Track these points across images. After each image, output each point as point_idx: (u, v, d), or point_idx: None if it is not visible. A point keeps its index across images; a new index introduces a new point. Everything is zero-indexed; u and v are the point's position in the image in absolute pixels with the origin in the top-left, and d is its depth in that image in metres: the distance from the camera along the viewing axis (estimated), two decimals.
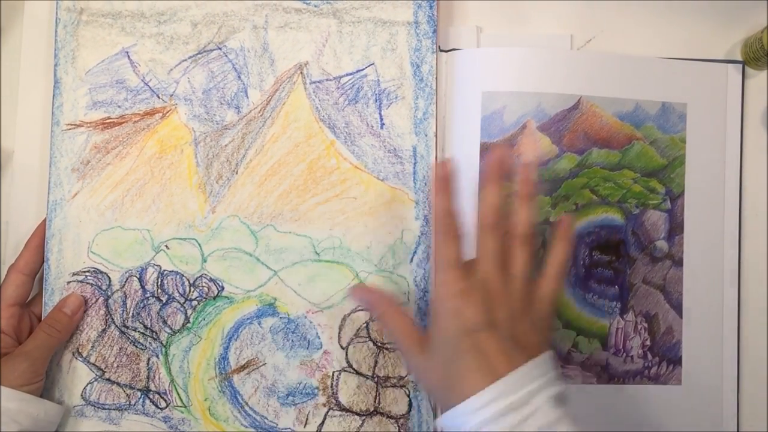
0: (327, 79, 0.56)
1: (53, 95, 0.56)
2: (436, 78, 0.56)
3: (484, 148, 0.56)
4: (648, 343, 0.57)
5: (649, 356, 0.57)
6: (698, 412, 0.56)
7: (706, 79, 0.58)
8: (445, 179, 0.48)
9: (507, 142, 0.56)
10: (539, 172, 0.56)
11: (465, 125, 0.57)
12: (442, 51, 0.58)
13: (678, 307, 0.57)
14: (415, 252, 0.55)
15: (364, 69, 0.56)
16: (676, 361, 0.57)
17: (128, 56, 0.56)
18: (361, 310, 0.54)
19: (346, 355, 0.54)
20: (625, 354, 0.57)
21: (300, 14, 0.56)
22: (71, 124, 0.56)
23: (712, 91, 0.58)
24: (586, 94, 0.57)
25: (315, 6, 0.56)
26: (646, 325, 0.57)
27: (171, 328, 0.55)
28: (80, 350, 0.55)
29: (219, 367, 0.54)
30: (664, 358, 0.57)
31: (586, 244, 0.57)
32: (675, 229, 0.57)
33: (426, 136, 0.55)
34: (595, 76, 0.57)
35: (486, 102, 0.56)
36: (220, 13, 0.56)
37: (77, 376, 0.55)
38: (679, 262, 0.57)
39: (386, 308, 0.49)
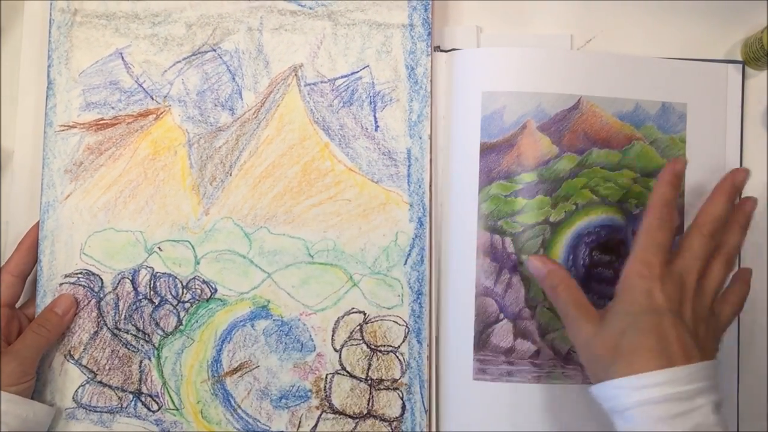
0: (321, 81, 0.56)
1: (46, 96, 0.56)
2: (431, 80, 0.56)
3: (484, 148, 0.56)
4: None
5: None
6: None
7: (706, 79, 0.58)
8: (678, 175, 0.49)
9: (507, 142, 0.56)
10: (539, 172, 0.56)
11: (465, 125, 0.57)
12: (442, 51, 0.58)
13: None
14: (409, 254, 0.54)
15: (358, 71, 0.56)
16: None
17: (122, 57, 0.56)
18: (355, 312, 0.54)
19: (340, 357, 0.54)
20: None
21: (295, 16, 0.56)
22: (64, 126, 0.55)
23: (712, 91, 0.58)
24: (586, 94, 0.57)
25: (310, 8, 0.56)
26: None
27: (163, 331, 0.54)
28: (72, 352, 0.54)
29: (212, 370, 0.54)
30: None
31: (586, 244, 0.56)
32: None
33: (420, 138, 0.55)
34: (595, 76, 0.57)
35: (486, 102, 0.56)
36: (214, 14, 0.56)
37: (69, 379, 0.54)
38: None
39: (560, 281, 0.50)
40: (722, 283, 0.49)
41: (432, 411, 0.54)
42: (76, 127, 0.55)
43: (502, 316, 0.56)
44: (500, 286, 0.56)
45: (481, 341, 0.55)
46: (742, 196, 0.54)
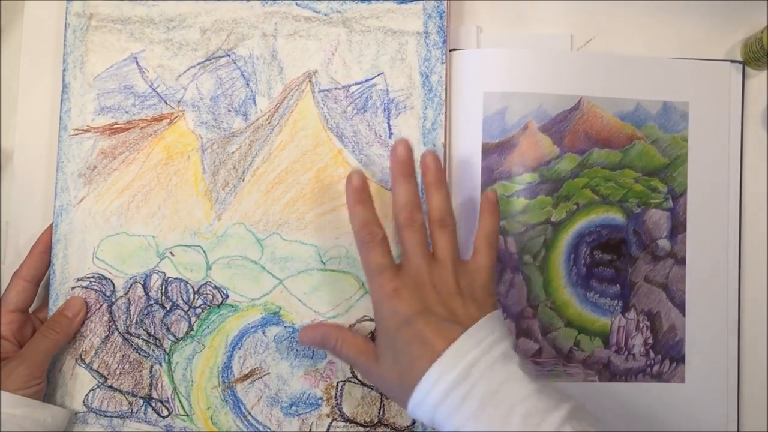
0: (336, 88, 0.56)
1: (61, 100, 0.56)
2: (446, 87, 0.55)
3: (486, 149, 0.56)
4: (650, 341, 0.57)
5: (652, 354, 0.57)
6: (702, 410, 0.57)
7: (709, 78, 0.58)
8: (359, 190, 0.49)
9: (509, 142, 0.56)
10: (540, 172, 0.56)
11: (466, 125, 0.57)
12: None
13: (681, 306, 0.57)
14: None
15: (373, 78, 0.56)
16: (679, 359, 0.57)
17: (137, 62, 0.56)
18: (367, 320, 0.54)
19: None
20: (627, 352, 0.57)
21: (309, 23, 0.56)
22: (78, 129, 0.55)
23: (714, 89, 0.58)
24: (586, 94, 0.57)
25: (325, 15, 0.56)
26: (648, 323, 0.57)
27: (174, 336, 0.54)
28: (83, 357, 0.54)
29: (222, 376, 0.54)
30: (667, 356, 0.57)
31: (587, 243, 0.57)
32: (677, 227, 0.58)
33: (434, 146, 0.55)
34: (595, 77, 0.58)
35: (487, 102, 0.56)
36: (229, 20, 0.56)
37: (79, 383, 0.54)
38: (681, 261, 0.57)
39: (336, 337, 0.50)
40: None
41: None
42: (90, 131, 0.55)
43: (504, 315, 0.56)
44: (503, 285, 0.56)
45: None
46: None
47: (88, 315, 0.54)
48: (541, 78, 0.57)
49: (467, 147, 0.57)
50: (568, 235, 0.57)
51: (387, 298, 0.46)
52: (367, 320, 0.54)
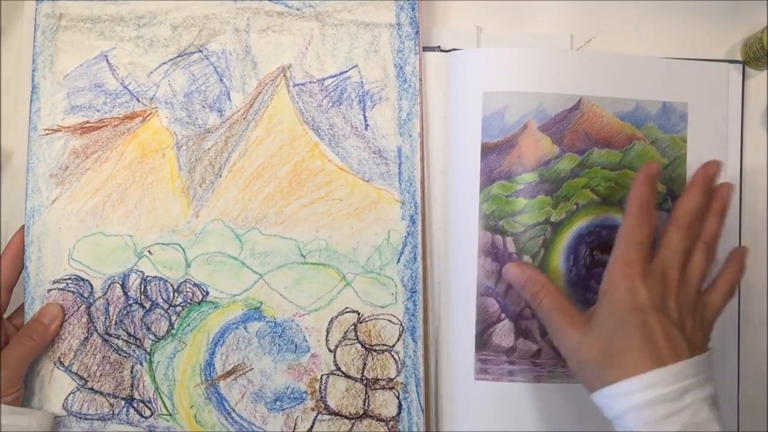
0: (310, 82, 0.55)
1: (30, 100, 0.55)
2: (420, 78, 0.56)
3: (485, 149, 0.56)
4: None
5: None
6: None
7: (708, 78, 0.58)
8: (653, 176, 0.50)
9: (508, 142, 0.56)
10: (540, 172, 0.56)
11: (466, 125, 0.56)
12: (442, 51, 0.58)
13: None
14: (401, 252, 0.54)
15: (347, 71, 0.56)
16: None
17: (107, 60, 0.55)
18: (349, 311, 0.54)
19: (334, 357, 0.54)
20: None
21: (282, 17, 0.56)
22: (49, 129, 0.55)
23: (713, 90, 0.58)
24: (586, 94, 0.57)
25: (297, 9, 0.56)
26: None
27: (155, 335, 0.54)
28: (62, 359, 0.53)
29: (205, 374, 0.53)
30: None
31: (586, 243, 0.56)
32: None
33: (410, 136, 0.55)
34: (595, 76, 0.57)
35: (487, 102, 0.56)
36: (200, 16, 0.56)
37: (58, 386, 0.53)
38: None
39: (541, 287, 0.50)
40: (705, 272, 0.49)
41: (430, 410, 0.54)
42: (61, 131, 0.55)
43: (503, 315, 0.55)
44: (501, 286, 0.55)
45: (483, 341, 0.55)
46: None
47: (66, 317, 0.53)
48: (540, 78, 0.56)
49: (466, 147, 0.56)
50: (568, 236, 0.56)
51: (632, 276, 0.46)
52: (349, 312, 0.54)
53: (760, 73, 0.59)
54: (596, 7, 0.59)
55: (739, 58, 0.59)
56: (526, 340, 0.55)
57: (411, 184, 0.55)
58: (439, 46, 0.58)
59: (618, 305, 0.46)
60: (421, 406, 0.53)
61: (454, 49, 0.58)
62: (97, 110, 0.55)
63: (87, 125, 0.55)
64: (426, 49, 0.58)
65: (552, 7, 0.60)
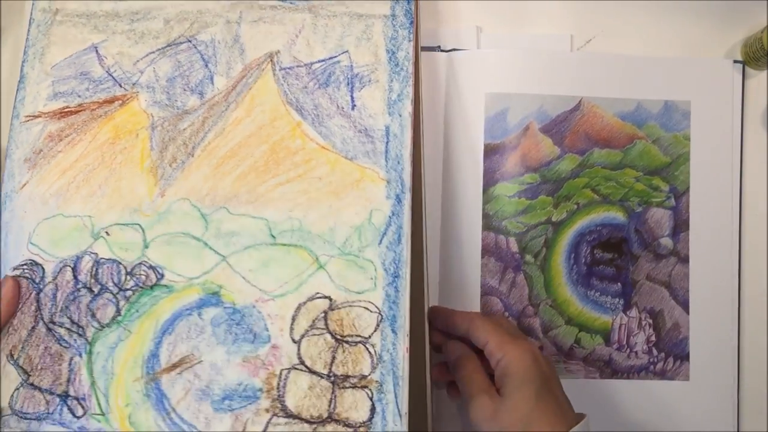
0: (298, 66, 0.52)
1: (17, 89, 0.54)
2: (414, 62, 0.52)
3: (488, 150, 0.56)
4: (653, 338, 0.56)
5: (655, 352, 0.56)
6: (706, 408, 0.55)
7: (711, 75, 0.58)
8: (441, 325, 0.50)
9: (510, 143, 0.56)
10: (541, 173, 0.56)
11: (468, 126, 0.56)
12: (442, 51, 0.57)
13: (685, 304, 0.56)
14: (384, 233, 0.47)
15: (337, 56, 0.52)
16: (683, 357, 0.56)
17: (96, 51, 0.54)
18: (320, 297, 0.46)
19: (299, 349, 0.45)
20: (629, 349, 0.56)
21: (275, 10, 0.54)
22: (30, 116, 0.53)
23: (716, 87, 0.58)
24: (587, 95, 0.57)
25: (291, 3, 0.54)
26: (650, 321, 0.56)
27: (99, 322, 0.47)
28: (12, 352, 0.47)
29: (147, 366, 0.45)
30: (670, 354, 0.56)
31: (587, 242, 0.56)
32: (680, 226, 0.57)
33: (400, 116, 0.50)
34: (596, 77, 0.57)
35: (489, 103, 0.56)
36: (194, 10, 0.55)
37: (9, 381, 0.46)
38: (684, 259, 0.57)
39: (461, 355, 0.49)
40: None
41: (427, 411, 0.45)
42: (40, 117, 0.53)
43: (506, 314, 0.56)
44: (505, 285, 0.56)
45: None
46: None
47: (20, 306, 0.48)
48: (541, 79, 0.57)
49: (469, 148, 0.56)
50: (569, 235, 0.56)
51: (530, 349, 0.47)
52: (320, 298, 0.46)
53: (760, 73, 0.59)
54: (596, 7, 0.60)
55: (739, 58, 0.59)
56: (528, 337, 0.55)
57: (398, 163, 0.49)
58: (439, 46, 0.58)
59: (527, 374, 0.45)
60: (399, 410, 0.42)
61: (454, 49, 0.58)
62: (79, 96, 0.53)
63: (66, 110, 0.53)
64: (426, 49, 0.58)
65: (552, 7, 0.60)
